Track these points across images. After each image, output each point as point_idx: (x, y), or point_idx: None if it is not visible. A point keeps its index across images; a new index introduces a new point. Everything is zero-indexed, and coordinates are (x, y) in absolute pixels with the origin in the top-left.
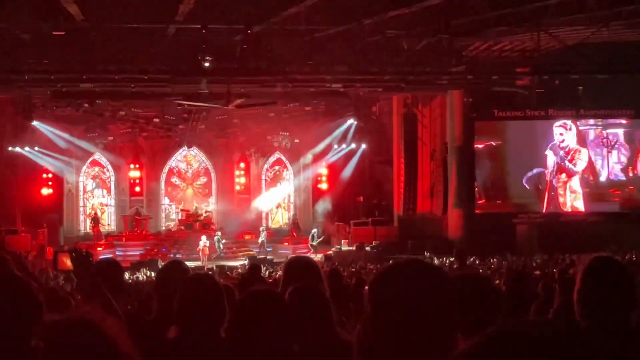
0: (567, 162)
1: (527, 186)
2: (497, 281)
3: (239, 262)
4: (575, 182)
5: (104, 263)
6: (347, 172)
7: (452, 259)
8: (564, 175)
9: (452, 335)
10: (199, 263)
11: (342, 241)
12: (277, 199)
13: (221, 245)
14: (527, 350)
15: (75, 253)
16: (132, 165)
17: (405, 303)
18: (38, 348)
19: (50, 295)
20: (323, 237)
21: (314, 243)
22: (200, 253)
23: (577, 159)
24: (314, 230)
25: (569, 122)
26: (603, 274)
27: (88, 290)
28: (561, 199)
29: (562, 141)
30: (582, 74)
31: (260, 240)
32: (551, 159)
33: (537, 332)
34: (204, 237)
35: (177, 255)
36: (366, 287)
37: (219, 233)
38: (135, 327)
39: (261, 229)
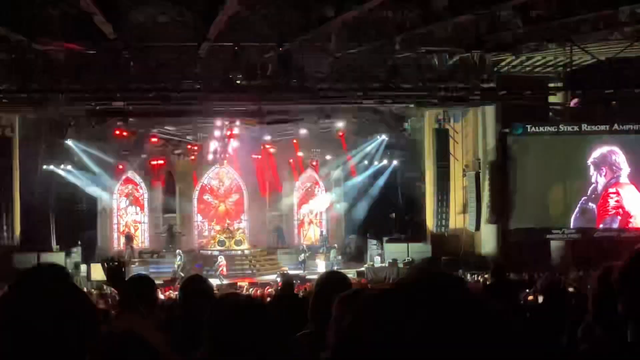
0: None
1: None
2: (531, 297)
3: (271, 277)
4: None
5: (135, 279)
6: (380, 188)
7: (487, 276)
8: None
9: None
10: (217, 281)
11: (375, 257)
12: (323, 205)
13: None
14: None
15: (107, 263)
16: (165, 183)
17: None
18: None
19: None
20: (340, 257)
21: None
22: (219, 271)
23: None
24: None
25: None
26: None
27: (124, 303)
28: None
29: None
30: (615, 88)
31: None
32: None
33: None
34: (221, 257)
35: (210, 272)
36: None
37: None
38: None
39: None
